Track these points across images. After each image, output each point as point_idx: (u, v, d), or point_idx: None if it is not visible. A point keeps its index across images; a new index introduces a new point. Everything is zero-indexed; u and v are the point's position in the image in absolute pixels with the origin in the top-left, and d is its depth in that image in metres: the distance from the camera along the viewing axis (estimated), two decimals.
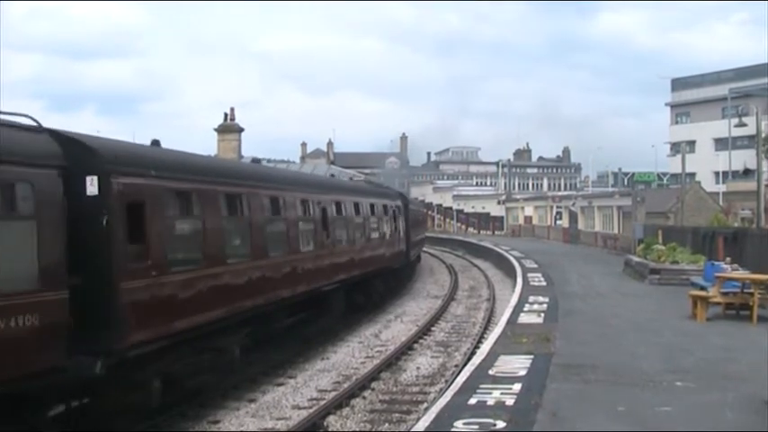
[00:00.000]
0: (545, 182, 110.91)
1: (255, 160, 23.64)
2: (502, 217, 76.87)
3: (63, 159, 9.40)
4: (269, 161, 66.32)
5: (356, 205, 22.62)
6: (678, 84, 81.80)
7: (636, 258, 29.23)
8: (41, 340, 8.79)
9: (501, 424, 8.36)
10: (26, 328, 8.55)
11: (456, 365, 15.81)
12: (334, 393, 13.75)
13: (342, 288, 20.34)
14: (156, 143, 13.19)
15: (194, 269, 12.01)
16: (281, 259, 15.65)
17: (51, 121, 10.04)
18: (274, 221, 15.72)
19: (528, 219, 71.39)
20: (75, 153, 9.64)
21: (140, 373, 10.61)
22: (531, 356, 12.33)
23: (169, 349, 11.16)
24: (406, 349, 18.10)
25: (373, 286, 24.74)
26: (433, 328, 21.49)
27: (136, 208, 10.40)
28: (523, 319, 17.02)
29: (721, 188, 59.89)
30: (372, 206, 24.86)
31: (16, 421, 8.98)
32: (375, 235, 24.89)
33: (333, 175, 53.48)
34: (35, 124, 9.64)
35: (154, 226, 10.81)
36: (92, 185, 9.67)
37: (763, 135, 32.93)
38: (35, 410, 9.41)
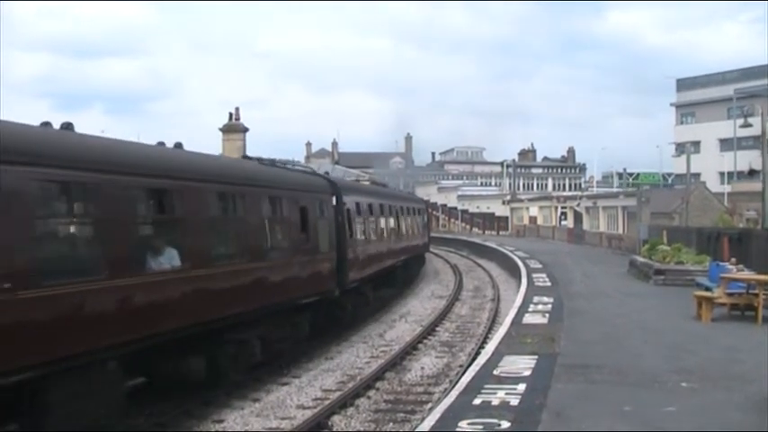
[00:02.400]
0: (549, 182, 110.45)
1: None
2: (506, 217, 76.68)
3: (331, 189, 19.18)
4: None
5: (406, 208, 32.72)
6: (683, 84, 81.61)
7: (640, 259, 29.14)
8: (329, 275, 17.94)
9: (506, 424, 8.35)
10: (326, 268, 17.76)
11: (460, 365, 15.82)
12: (338, 393, 13.77)
13: (400, 265, 29.54)
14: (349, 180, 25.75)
15: (364, 244, 22.15)
16: (386, 241, 26.16)
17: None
18: (382, 217, 26.11)
19: (533, 219, 71.25)
20: (331, 185, 19.49)
21: (346, 299, 19.64)
22: (536, 357, 12.31)
23: (353, 290, 20.24)
24: (411, 349, 18.12)
25: (411, 266, 34.04)
26: (437, 329, 21.51)
27: (348, 212, 20.21)
28: (528, 319, 16.99)
29: (726, 189, 59.87)
30: (412, 209, 35.04)
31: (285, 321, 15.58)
32: (415, 230, 34.70)
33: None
34: (309, 169, 20.91)
35: (355, 221, 20.96)
36: (332, 201, 18.96)
37: None
38: (301, 315, 16.39)
